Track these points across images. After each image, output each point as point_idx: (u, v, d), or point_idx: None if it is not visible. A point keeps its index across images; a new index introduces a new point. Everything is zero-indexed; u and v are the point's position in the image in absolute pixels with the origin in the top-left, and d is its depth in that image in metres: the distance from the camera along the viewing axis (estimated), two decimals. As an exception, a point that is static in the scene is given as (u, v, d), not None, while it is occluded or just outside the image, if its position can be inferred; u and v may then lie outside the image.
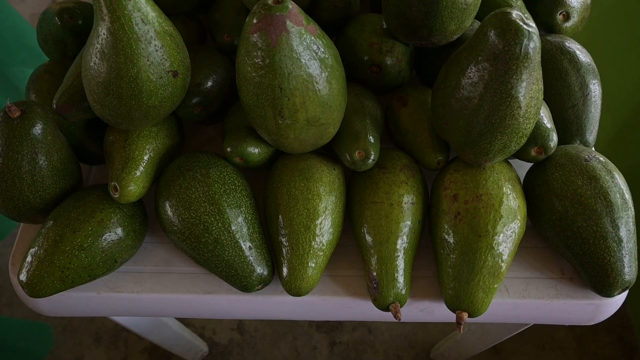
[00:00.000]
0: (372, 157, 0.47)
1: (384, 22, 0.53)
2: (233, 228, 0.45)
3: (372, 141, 0.47)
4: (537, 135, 0.47)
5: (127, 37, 0.39)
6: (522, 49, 0.37)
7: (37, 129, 0.44)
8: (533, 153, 0.47)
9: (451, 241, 0.45)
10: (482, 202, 0.45)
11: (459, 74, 0.41)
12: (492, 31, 0.38)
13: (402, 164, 0.48)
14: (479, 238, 0.44)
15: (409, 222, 0.46)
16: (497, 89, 0.39)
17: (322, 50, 0.40)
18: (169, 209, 0.45)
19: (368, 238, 0.46)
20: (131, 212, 0.47)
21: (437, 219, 0.47)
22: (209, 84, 0.51)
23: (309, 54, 0.39)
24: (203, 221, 0.44)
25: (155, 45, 0.41)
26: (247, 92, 0.41)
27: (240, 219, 0.45)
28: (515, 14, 0.38)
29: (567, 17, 0.58)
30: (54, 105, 0.48)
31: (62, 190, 0.47)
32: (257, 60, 0.39)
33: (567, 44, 0.54)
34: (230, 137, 0.48)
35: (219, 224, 0.44)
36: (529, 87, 0.39)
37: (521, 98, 0.40)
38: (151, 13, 0.41)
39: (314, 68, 0.40)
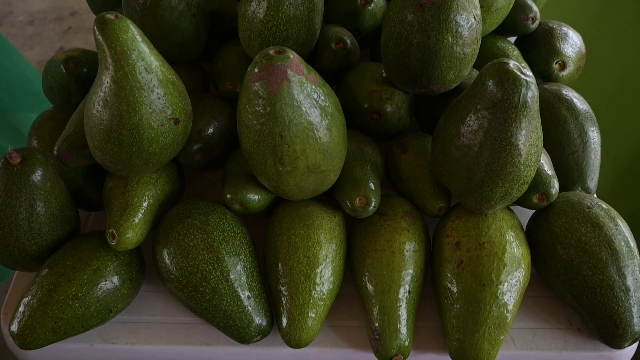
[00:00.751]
0: (373, 204, 0.46)
1: (383, 71, 0.54)
2: (231, 277, 0.44)
3: (373, 188, 0.47)
4: (539, 182, 0.47)
5: (130, 85, 0.40)
6: (521, 98, 0.38)
7: (37, 176, 0.44)
8: (535, 200, 0.47)
9: (455, 290, 0.44)
10: (485, 250, 0.44)
11: (458, 122, 0.41)
12: (491, 81, 0.38)
13: (404, 211, 0.48)
14: (483, 287, 0.43)
15: (411, 271, 0.45)
16: (497, 137, 0.39)
17: (323, 98, 0.41)
18: (167, 256, 0.44)
19: (369, 287, 0.45)
20: (128, 260, 0.47)
21: (439, 267, 0.46)
22: (210, 130, 0.51)
23: (310, 102, 0.40)
24: (201, 269, 0.43)
25: (157, 93, 0.41)
26: (248, 140, 0.41)
27: (239, 267, 0.44)
28: (512, 64, 0.38)
29: (563, 66, 0.59)
30: (55, 152, 0.48)
31: (59, 237, 0.47)
32: (258, 108, 0.39)
33: (564, 92, 0.55)
34: (230, 183, 0.48)
35: (217, 273, 0.43)
36: (528, 135, 0.40)
37: (521, 146, 0.40)
38: (155, 62, 0.41)
39: (314, 116, 0.40)
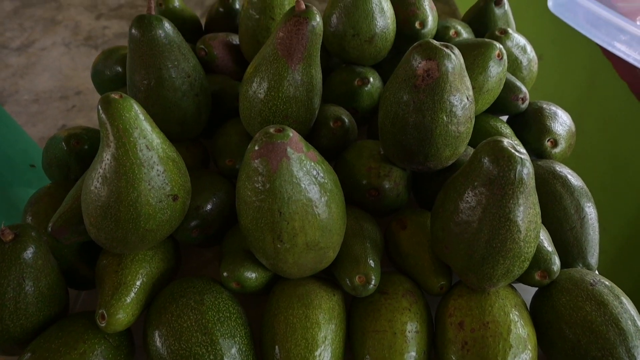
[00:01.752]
0: (373, 282, 0.45)
1: (381, 149, 0.54)
2: (226, 360, 0.42)
3: (373, 265, 0.46)
4: (540, 259, 0.46)
5: (130, 162, 0.40)
6: (517, 175, 0.38)
7: (29, 253, 0.43)
8: (537, 277, 0.46)
9: (460, 374, 0.42)
10: (489, 330, 0.42)
11: (456, 199, 0.41)
12: (486, 158, 0.39)
13: (404, 289, 0.47)
14: (490, 371, 0.41)
15: (413, 353, 0.43)
16: (495, 213, 0.39)
17: (322, 175, 0.41)
18: (158, 339, 0.43)
19: (370, 370, 0.43)
20: (117, 343, 0.45)
21: (443, 348, 0.44)
22: (209, 207, 0.51)
23: (309, 178, 0.40)
24: (194, 353, 0.41)
25: (157, 170, 0.42)
26: (247, 216, 0.41)
27: (233, 350, 0.42)
28: (506, 142, 0.39)
29: (554, 143, 0.60)
30: (49, 229, 0.47)
31: (45, 319, 0.45)
32: (257, 185, 0.39)
33: (557, 168, 0.56)
34: (227, 261, 0.47)
35: (211, 356, 0.41)
36: (526, 211, 0.40)
37: (520, 222, 0.40)
38: (156, 140, 0.42)
39: (313, 192, 0.40)
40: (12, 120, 1.08)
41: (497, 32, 0.66)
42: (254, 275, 0.47)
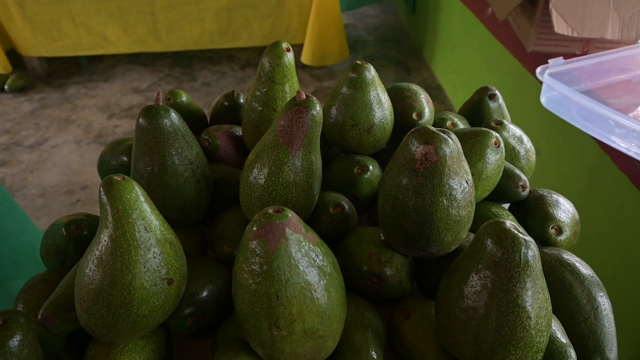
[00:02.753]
0: (375, 375, 0.42)
1: (381, 234, 0.54)
2: None
3: (375, 357, 0.43)
4: (554, 351, 0.43)
5: (127, 243, 0.40)
6: (522, 257, 0.37)
7: (15, 341, 0.41)
8: (552, 371, 0.43)
9: None
10: None
11: (461, 283, 0.40)
12: (489, 240, 0.38)
13: (409, 384, 0.44)
14: None
15: None
16: (502, 298, 0.38)
17: (321, 257, 0.40)
18: None
19: None
20: None
21: None
22: (204, 294, 0.49)
23: (308, 261, 0.39)
24: None
25: (154, 252, 0.41)
26: (243, 300, 0.40)
27: None
28: (509, 223, 0.38)
29: (559, 231, 0.59)
30: (39, 316, 0.45)
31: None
32: (254, 267, 0.38)
33: (565, 256, 0.55)
34: (220, 351, 0.44)
35: None
36: (535, 296, 0.38)
37: (529, 307, 0.38)
38: (155, 221, 0.42)
39: (312, 275, 0.39)
40: (21, 211, 1.09)
41: (492, 124, 0.68)
42: (249, 367, 0.44)
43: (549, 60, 1.09)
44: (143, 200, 0.41)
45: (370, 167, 0.64)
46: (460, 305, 0.40)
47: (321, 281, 0.40)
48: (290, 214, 0.39)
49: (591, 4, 1.24)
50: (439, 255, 0.51)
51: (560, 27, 1.23)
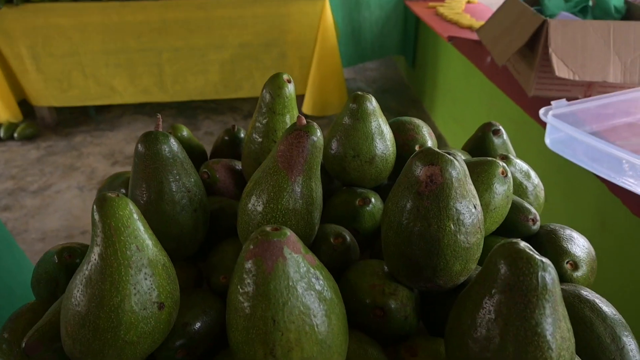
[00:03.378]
0: (380, 415, 0.39)
1: (385, 266, 0.51)
2: None
3: (380, 394, 0.40)
4: (575, 389, 0.40)
5: (117, 262, 0.37)
6: (539, 280, 0.34)
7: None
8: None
9: None
10: None
11: (473, 310, 0.37)
12: (502, 262, 0.36)
13: None
14: None
15: None
16: (520, 326, 0.34)
17: (321, 281, 0.37)
18: None
19: None
20: None
21: None
22: (197, 325, 0.46)
23: (307, 283, 0.36)
24: None
25: (145, 273, 0.38)
26: (237, 326, 0.37)
27: None
28: (523, 244, 0.36)
29: (575, 266, 0.56)
30: (23, 344, 0.42)
31: None
32: (249, 288, 0.35)
33: (583, 292, 0.51)
34: (212, 387, 0.41)
35: None
36: (556, 325, 0.35)
37: (550, 337, 0.35)
38: (148, 240, 0.39)
39: (311, 299, 0.36)
40: (20, 252, 1.07)
41: (498, 159, 0.66)
42: (242, 405, 0.40)
43: (552, 102, 1.09)
44: (137, 218, 0.39)
45: (373, 200, 0.62)
46: (473, 336, 0.37)
47: (321, 306, 0.37)
48: (289, 232, 0.36)
49: (591, 48, 1.26)
50: (447, 288, 0.48)
51: (562, 71, 1.24)
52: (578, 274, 0.56)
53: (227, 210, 0.63)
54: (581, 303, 0.49)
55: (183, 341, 0.45)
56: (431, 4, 2.68)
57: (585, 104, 1.14)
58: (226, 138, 0.76)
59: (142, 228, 0.39)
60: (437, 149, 0.44)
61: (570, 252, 0.57)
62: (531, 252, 0.35)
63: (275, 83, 0.61)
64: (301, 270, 0.36)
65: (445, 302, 0.51)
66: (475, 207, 0.44)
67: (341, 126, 0.62)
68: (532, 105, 1.44)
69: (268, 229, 0.36)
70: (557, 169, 1.40)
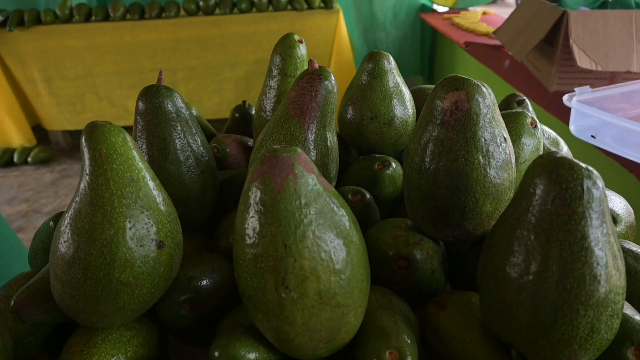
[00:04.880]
0: (408, 360, 0.34)
1: (408, 221, 0.47)
2: None
3: (409, 341, 0.35)
4: (630, 330, 0.35)
5: (110, 192, 0.34)
6: (584, 187, 0.30)
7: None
8: (631, 357, 0.34)
9: None
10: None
11: (509, 233, 0.33)
12: (541, 172, 0.31)
13: (452, 377, 0.35)
14: None
15: None
16: (564, 241, 0.30)
17: (338, 206, 0.34)
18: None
19: None
20: None
21: None
22: (204, 281, 0.42)
23: (321, 205, 0.32)
24: None
25: (141, 207, 0.35)
26: (244, 259, 0.33)
27: None
28: (563, 152, 0.32)
29: (612, 221, 0.52)
30: (13, 301, 0.39)
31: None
32: (257, 212, 0.32)
33: (624, 244, 0.47)
34: (220, 337, 0.37)
35: None
36: (606, 239, 0.30)
37: (598, 252, 0.30)
38: (144, 172, 0.36)
39: (327, 224, 0.32)
40: (24, 249, 1.05)
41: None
42: (253, 355, 0.36)
43: (576, 89, 1.05)
44: (132, 147, 0.36)
45: (393, 164, 0.58)
46: (510, 261, 0.32)
47: (338, 232, 0.33)
48: (300, 150, 0.33)
49: (613, 38, 1.22)
50: (476, 235, 0.43)
51: (584, 62, 1.21)
52: (616, 229, 0.52)
53: (238, 179, 0.59)
54: (624, 252, 0.45)
55: (188, 295, 0.41)
56: (447, 15, 2.68)
57: (610, 91, 1.10)
58: (237, 115, 0.74)
59: (137, 158, 0.36)
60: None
61: (608, 207, 0.52)
62: (574, 160, 0.31)
63: (285, 43, 0.59)
64: (314, 190, 0.32)
65: (473, 260, 0.46)
66: (505, 140, 0.40)
67: (357, 87, 0.59)
68: (553, 104, 1.40)
69: (277, 146, 0.33)
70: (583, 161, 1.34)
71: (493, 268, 0.34)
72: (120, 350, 0.37)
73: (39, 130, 2.78)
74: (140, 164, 0.36)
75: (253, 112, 0.75)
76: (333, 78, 0.47)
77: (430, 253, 0.44)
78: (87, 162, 0.34)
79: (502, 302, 0.33)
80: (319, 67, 0.47)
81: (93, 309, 0.35)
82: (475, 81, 0.40)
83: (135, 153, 0.36)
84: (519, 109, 0.53)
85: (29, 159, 2.67)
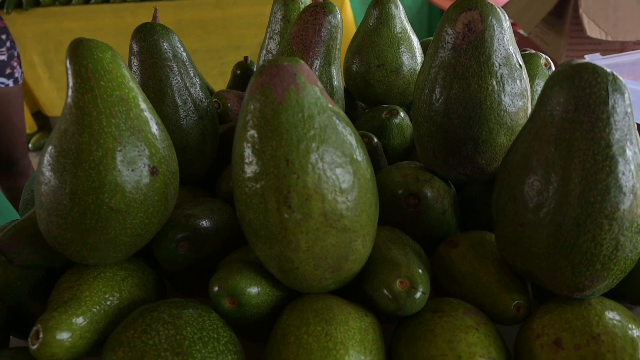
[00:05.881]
0: (420, 289, 0.32)
1: (417, 163, 0.45)
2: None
3: (420, 271, 0.33)
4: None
5: (97, 110, 0.32)
6: (609, 92, 0.28)
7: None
8: None
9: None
10: (604, 345, 0.28)
11: (527, 148, 0.30)
12: (562, 77, 0.29)
13: (465, 308, 0.33)
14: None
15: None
16: (587, 150, 0.28)
17: (343, 124, 0.31)
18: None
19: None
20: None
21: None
22: (204, 221, 0.40)
23: (326, 120, 0.30)
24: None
25: (132, 128, 0.33)
26: (243, 178, 0.31)
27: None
28: (586, 60, 0.29)
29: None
30: (-2, 241, 0.37)
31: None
32: (257, 125, 0.29)
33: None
34: (220, 271, 0.35)
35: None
36: (632, 148, 0.28)
37: (623, 161, 0.28)
38: (135, 92, 0.34)
39: (331, 139, 0.30)
40: None
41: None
42: (255, 289, 0.34)
43: (586, 56, 1.02)
44: (122, 65, 0.33)
45: (401, 113, 0.56)
46: (528, 178, 0.30)
47: (344, 151, 0.31)
48: (302, 61, 0.31)
49: (623, 7, 1.19)
50: (489, 172, 0.41)
51: (593, 31, 1.18)
52: None
53: (238, 129, 0.57)
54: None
55: (186, 233, 0.39)
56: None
57: (621, 58, 1.07)
58: (238, 72, 0.72)
59: (128, 77, 0.33)
60: (473, -2, 0.38)
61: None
62: (597, 64, 0.28)
63: (287, -12, 0.57)
64: (319, 103, 0.30)
65: (484, 209, 0.44)
66: (521, 66, 0.38)
67: (362, 34, 0.57)
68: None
69: (278, 57, 0.31)
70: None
71: (511, 188, 0.31)
72: (113, 289, 0.35)
73: (40, 117, 2.76)
74: (132, 84, 0.34)
75: (254, 68, 0.73)
76: (338, 13, 0.45)
77: (442, 192, 0.42)
78: (71, 79, 0.32)
79: (520, 224, 0.31)
80: (324, 1, 0.45)
81: (82, 239, 0.33)
82: (489, 1, 0.37)
83: (125, 72, 0.33)
84: (532, 51, 0.50)
85: (30, 146, 2.65)
